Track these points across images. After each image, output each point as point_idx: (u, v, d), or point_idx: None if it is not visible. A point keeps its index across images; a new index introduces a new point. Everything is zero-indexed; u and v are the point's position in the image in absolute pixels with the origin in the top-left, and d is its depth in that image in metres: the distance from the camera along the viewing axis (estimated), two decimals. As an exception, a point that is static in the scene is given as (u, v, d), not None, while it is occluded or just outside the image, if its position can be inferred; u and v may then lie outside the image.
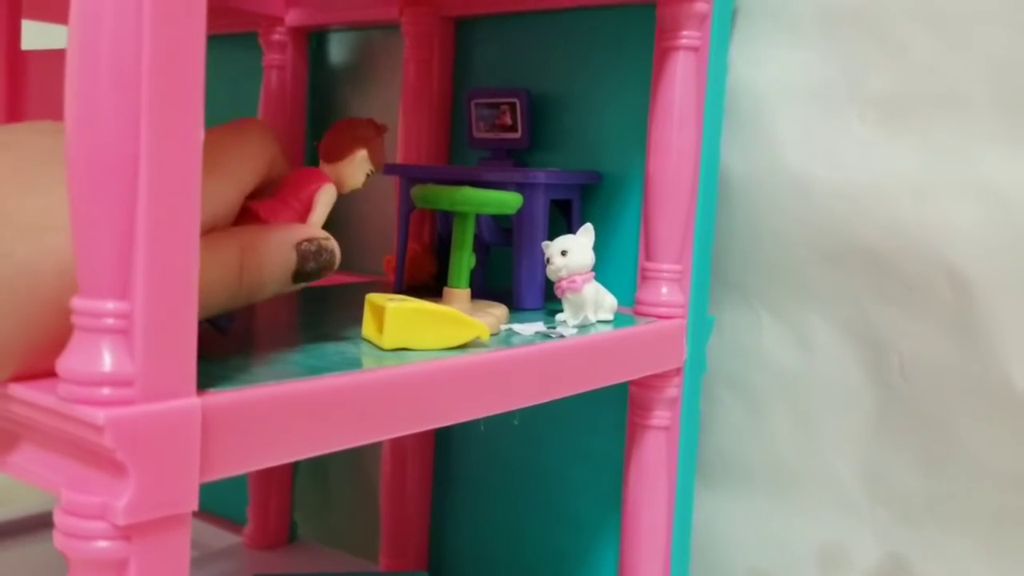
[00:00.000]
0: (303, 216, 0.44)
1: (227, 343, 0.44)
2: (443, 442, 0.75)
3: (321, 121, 0.81)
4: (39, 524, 0.85)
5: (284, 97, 0.78)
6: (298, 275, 0.42)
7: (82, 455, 0.31)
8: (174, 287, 0.30)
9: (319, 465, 0.87)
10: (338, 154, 0.46)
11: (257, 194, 0.44)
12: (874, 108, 0.60)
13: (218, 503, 0.80)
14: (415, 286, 0.64)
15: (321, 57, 0.81)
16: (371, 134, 0.47)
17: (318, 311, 0.55)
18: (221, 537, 0.84)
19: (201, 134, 0.31)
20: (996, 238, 0.56)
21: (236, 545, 0.83)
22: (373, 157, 0.47)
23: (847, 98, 0.61)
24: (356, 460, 0.85)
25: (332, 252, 0.43)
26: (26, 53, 0.61)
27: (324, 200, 0.45)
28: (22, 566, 0.79)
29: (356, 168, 0.46)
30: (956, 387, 0.58)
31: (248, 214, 0.43)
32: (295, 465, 0.84)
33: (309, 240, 0.42)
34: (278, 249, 0.41)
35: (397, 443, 0.74)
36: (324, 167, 0.46)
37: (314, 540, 0.86)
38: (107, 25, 0.29)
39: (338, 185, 0.46)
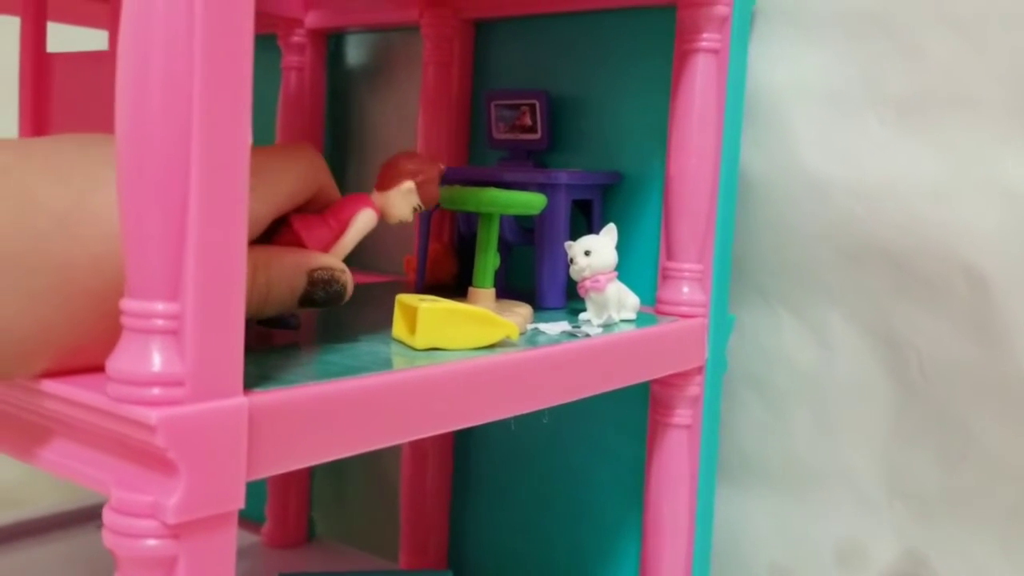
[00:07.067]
0: (337, 235, 0.45)
1: (260, 343, 0.44)
2: (463, 440, 0.76)
3: (339, 123, 0.82)
4: (52, 525, 0.86)
5: (303, 99, 0.78)
6: (304, 300, 0.42)
7: (130, 454, 0.32)
8: (223, 288, 0.31)
9: (337, 463, 0.88)
10: (387, 183, 0.46)
11: (302, 212, 0.45)
12: (892, 109, 0.61)
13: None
14: (436, 286, 0.64)
15: (340, 59, 0.81)
16: (425, 169, 0.47)
17: (343, 311, 0.56)
18: (240, 536, 0.85)
19: (249, 137, 0.31)
20: (1013, 237, 0.57)
21: (255, 544, 0.83)
22: (422, 192, 0.47)
23: (865, 99, 0.62)
24: (374, 458, 0.85)
25: (344, 285, 0.43)
26: (51, 56, 0.62)
27: (360, 223, 0.45)
28: (35, 567, 0.79)
29: (402, 199, 0.46)
30: (974, 384, 0.59)
31: (285, 226, 0.44)
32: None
33: (323, 269, 0.43)
34: (292, 272, 0.42)
35: (417, 442, 0.74)
36: (374, 195, 0.47)
37: (332, 538, 0.87)
38: (158, 26, 0.29)
39: (384, 214, 0.46)
